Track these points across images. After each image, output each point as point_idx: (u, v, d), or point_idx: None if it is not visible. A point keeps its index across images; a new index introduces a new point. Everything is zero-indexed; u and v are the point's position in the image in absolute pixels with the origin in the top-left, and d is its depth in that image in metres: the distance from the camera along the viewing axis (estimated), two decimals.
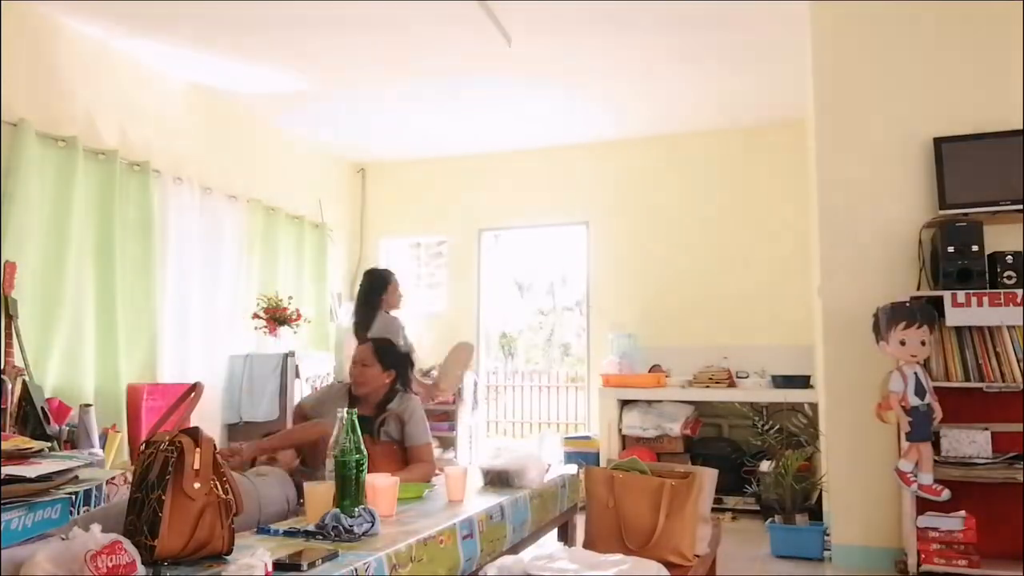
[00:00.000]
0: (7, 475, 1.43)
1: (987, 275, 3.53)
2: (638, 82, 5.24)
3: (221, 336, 5.24)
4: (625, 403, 5.54)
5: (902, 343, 3.40)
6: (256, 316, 5.34)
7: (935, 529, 3.34)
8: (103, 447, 3.67)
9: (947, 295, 3.49)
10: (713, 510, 2.79)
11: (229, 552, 1.63)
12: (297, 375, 5.25)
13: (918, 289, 3.75)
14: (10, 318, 3.64)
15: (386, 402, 3.03)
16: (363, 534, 1.82)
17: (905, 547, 3.51)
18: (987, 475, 3.37)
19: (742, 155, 6.05)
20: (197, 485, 1.60)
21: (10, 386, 3.45)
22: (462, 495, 2.40)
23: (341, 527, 1.80)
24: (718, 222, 6.05)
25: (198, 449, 1.62)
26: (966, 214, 3.63)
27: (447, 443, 6.25)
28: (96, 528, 1.36)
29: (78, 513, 2.09)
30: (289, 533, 1.85)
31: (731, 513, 5.08)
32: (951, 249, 3.56)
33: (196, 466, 1.60)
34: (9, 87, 3.87)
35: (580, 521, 2.84)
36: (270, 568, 1.46)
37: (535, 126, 6.14)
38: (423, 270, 7.23)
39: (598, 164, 6.45)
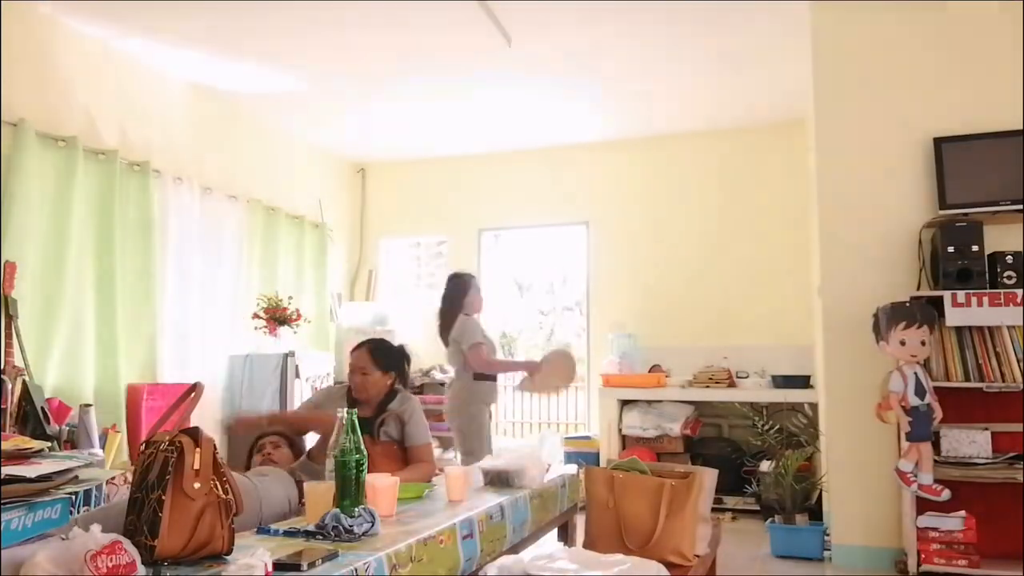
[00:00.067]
0: (7, 475, 1.43)
1: (987, 275, 3.53)
2: (638, 82, 5.24)
3: (221, 336, 5.24)
4: (625, 403, 5.54)
5: (902, 343, 3.40)
6: (256, 316, 5.34)
7: (935, 529, 3.34)
8: (103, 447, 3.68)
9: (947, 295, 3.49)
10: (713, 510, 2.79)
11: (229, 552, 1.63)
12: (297, 375, 5.25)
13: (918, 289, 3.75)
14: (10, 318, 3.64)
15: (386, 402, 3.03)
16: (363, 534, 1.81)
17: (905, 547, 3.51)
18: (987, 475, 3.37)
19: (742, 155, 6.05)
20: (197, 485, 1.59)
21: (10, 386, 3.45)
22: (462, 495, 2.40)
23: (341, 527, 1.80)
24: (718, 222, 6.05)
25: (198, 449, 1.62)
26: (966, 214, 3.63)
27: (447, 443, 6.24)
28: (96, 528, 1.36)
29: (78, 513, 2.09)
30: (289, 533, 1.85)
31: (731, 513, 5.09)
32: (951, 249, 3.56)
33: (196, 466, 1.60)
34: (9, 87, 3.87)
35: (580, 521, 2.84)
36: (270, 568, 1.46)
37: (535, 126, 6.13)
38: (423, 270, 7.22)
39: (598, 164, 6.45)
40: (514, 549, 2.40)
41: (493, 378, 4.47)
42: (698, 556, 2.44)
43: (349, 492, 1.94)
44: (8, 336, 3.61)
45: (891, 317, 3.43)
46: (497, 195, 6.75)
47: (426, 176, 6.96)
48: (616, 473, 2.53)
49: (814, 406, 4.81)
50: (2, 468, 1.44)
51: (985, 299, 3.44)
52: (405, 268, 7.23)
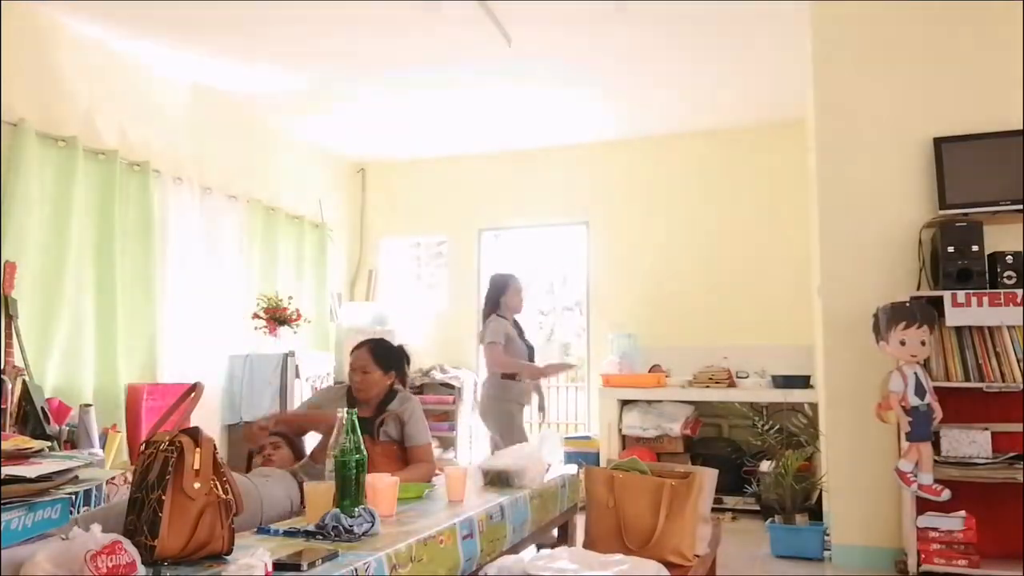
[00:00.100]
0: (7, 475, 1.43)
1: (987, 275, 3.53)
2: (638, 82, 5.24)
3: (221, 336, 5.24)
4: (625, 403, 5.54)
5: (902, 343, 3.40)
6: (256, 316, 5.34)
7: (935, 529, 3.34)
8: (103, 447, 3.67)
9: (947, 295, 3.49)
10: (713, 510, 2.79)
11: (229, 552, 1.63)
12: (297, 375, 5.25)
13: (918, 289, 3.75)
14: (10, 318, 3.64)
15: (386, 402, 3.03)
16: (363, 534, 1.81)
17: (905, 547, 3.51)
18: (987, 475, 3.37)
19: (742, 155, 6.05)
20: (197, 485, 1.59)
21: (10, 386, 3.45)
22: (462, 495, 2.40)
23: (341, 527, 1.80)
24: (718, 222, 6.05)
25: (198, 449, 1.62)
26: (966, 214, 3.63)
27: (447, 443, 6.25)
28: (96, 528, 1.36)
29: (78, 513, 2.09)
30: (289, 533, 1.85)
31: (731, 513, 5.08)
32: (951, 249, 3.56)
33: (196, 466, 1.60)
34: (9, 87, 3.87)
35: (580, 521, 2.84)
36: (270, 568, 1.46)
37: (535, 126, 6.13)
38: (423, 270, 7.23)
39: (598, 164, 6.45)
40: (514, 549, 2.40)
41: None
42: (698, 556, 2.44)
43: (349, 492, 1.94)
44: (8, 336, 3.61)
45: (891, 317, 3.43)
46: (497, 195, 6.74)
47: (426, 176, 6.96)
48: (616, 473, 2.53)
49: (814, 406, 4.81)
50: (2, 468, 1.44)
51: (985, 299, 3.44)
52: (405, 268, 7.23)
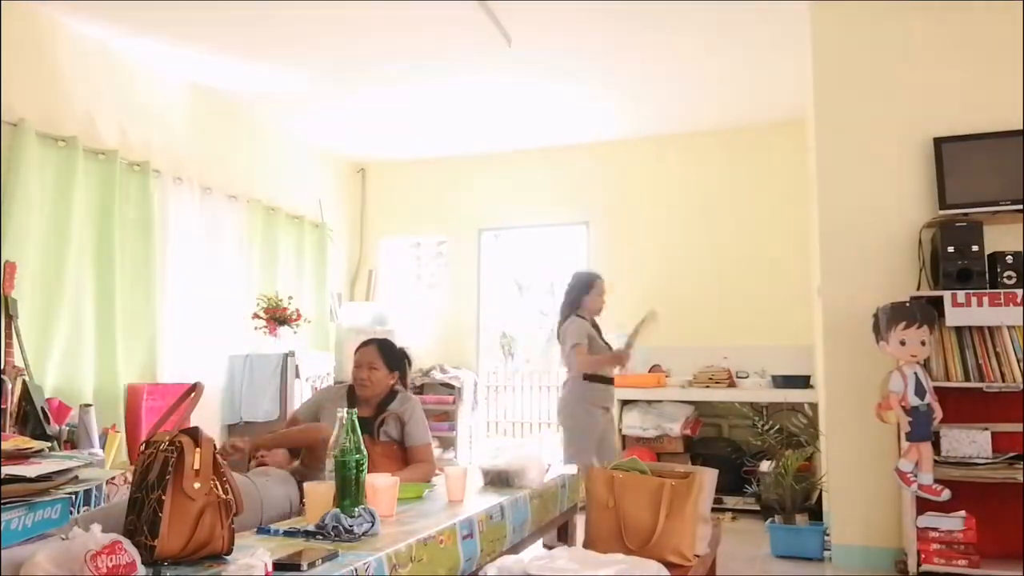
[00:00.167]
0: (7, 475, 1.43)
1: (987, 275, 3.53)
2: (638, 82, 5.24)
3: (221, 336, 5.24)
4: (625, 403, 5.54)
5: (902, 343, 3.40)
6: (256, 316, 5.34)
7: (935, 529, 3.34)
8: (103, 447, 3.67)
9: (947, 295, 3.49)
10: (713, 510, 2.79)
11: (229, 552, 1.63)
12: (297, 375, 5.25)
13: (918, 289, 3.75)
14: (10, 318, 3.64)
15: (387, 402, 3.03)
16: (363, 534, 1.82)
17: (905, 547, 3.51)
18: (987, 475, 3.37)
19: (742, 155, 6.05)
20: (197, 485, 1.60)
21: (10, 386, 3.45)
22: (462, 495, 2.40)
23: (341, 527, 1.80)
24: (718, 222, 6.05)
25: (198, 449, 1.62)
26: (966, 214, 3.63)
27: (447, 443, 6.25)
28: (96, 528, 1.36)
29: (78, 513, 2.09)
30: (289, 533, 1.85)
31: (731, 513, 5.08)
32: (951, 249, 3.56)
33: (196, 466, 1.60)
34: (9, 87, 3.87)
35: (580, 521, 2.84)
36: (270, 568, 1.46)
37: (535, 126, 6.13)
38: (423, 270, 7.22)
39: (598, 164, 6.45)
40: (514, 549, 2.40)
41: (607, 380, 4.30)
42: (698, 556, 2.44)
43: (349, 492, 1.95)
44: (8, 336, 3.61)
45: (891, 317, 3.43)
46: (497, 195, 6.75)
47: (426, 176, 6.96)
48: (616, 473, 2.52)
49: (814, 406, 4.81)
50: (2, 468, 1.44)
51: (985, 299, 3.44)
52: (405, 268, 7.23)
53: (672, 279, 6.08)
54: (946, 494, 3.33)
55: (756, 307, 5.83)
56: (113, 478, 2.74)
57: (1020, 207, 3.56)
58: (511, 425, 8.44)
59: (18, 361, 3.62)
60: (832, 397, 3.94)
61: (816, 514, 4.21)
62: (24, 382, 3.51)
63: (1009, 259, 3.51)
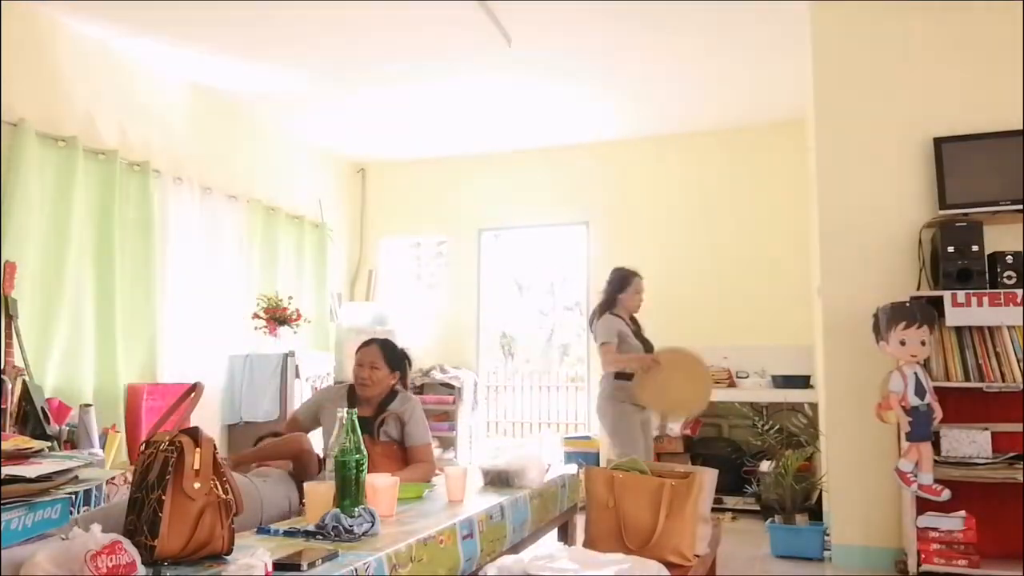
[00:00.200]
0: (7, 475, 1.43)
1: (987, 275, 3.53)
2: (638, 82, 5.24)
3: (221, 336, 5.24)
4: None
5: (902, 343, 3.40)
6: (256, 316, 5.34)
7: (935, 529, 3.34)
8: (103, 447, 3.67)
9: (947, 295, 3.49)
10: (713, 510, 2.79)
11: (229, 552, 1.63)
12: (297, 375, 5.25)
13: (918, 289, 3.75)
14: (10, 318, 3.64)
15: (387, 402, 3.03)
16: (363, 534, 1.81)
17: (905, 547, 3.51)
18: (987, 475, 3.37)
19: (742, 155, 6.05)
20: (197, 485, 1.59)
21: (10, 386, 3.45)
22: (462, 495, 2.40)
23: (341, 527, 1.80)
24: (718, 222, 6.05)
25: (198, 449, 1.62)
26: (966, 214, 3.63)
27: (447, 443, 6.25)
28: (96, 528, 1.36)
29: (78, 513, 2.09)
30: (289, 533, 1.85)
31: (731, 513, 5.09)
32: (951, 249, 3.56)
33: (196, 466, 1.60)
34: (9, 87, 3.87)
35: (580, 521, 2.84)
36: (270, 568, 1.46)
37: (535, 126, 6.13)
38: (423, 270, 7.23)
39: (598, 164, 6.45)
40: (514, 549, 2.40)
41: None
42: (698, 556, 2.44)
43: (349, 492, 1.94)
44: (8, 336, 3.61)
45: (891, 317, 3.43)
46: (497, 195, 6.74)
47: (426, 176, 6.96)
48: (616, 473, 2.53)
49: (814, 406, 4.81)
50: (2, 468, 1.44)
51: (985, 299, 3.44)
52: (405, 268, 7.23)
53: (672, 279, 6.07)
54: (946, 494, 3.33)
55: (756, 307, 5.83)
56: (113, 478, 2.74)
57: (1020, 207, 3.56)
58: (511, 425, 8.44)
59: (18, 361, 3.62)
60: (832, 397, 3.94)
61: (816, 514, 4.21)
62: (24, 382, 3.51)
63: (1009, 259, 3.51)
